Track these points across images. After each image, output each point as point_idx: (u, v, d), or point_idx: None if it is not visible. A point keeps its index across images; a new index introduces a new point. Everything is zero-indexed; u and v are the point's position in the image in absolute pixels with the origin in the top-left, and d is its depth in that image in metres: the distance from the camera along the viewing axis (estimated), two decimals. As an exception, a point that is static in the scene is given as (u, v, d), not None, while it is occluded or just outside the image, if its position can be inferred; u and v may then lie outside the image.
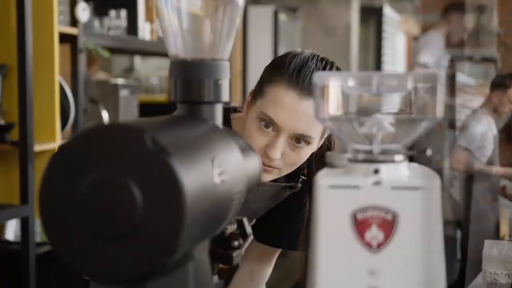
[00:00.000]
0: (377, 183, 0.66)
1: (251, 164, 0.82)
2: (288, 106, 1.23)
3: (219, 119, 0.80)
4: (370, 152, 0.69)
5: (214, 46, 0.81)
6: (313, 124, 1.24)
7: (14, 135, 2.41)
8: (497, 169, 4.48)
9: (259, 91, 1.28)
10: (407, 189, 0.66)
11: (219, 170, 0.68)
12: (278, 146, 1.24)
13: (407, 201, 0.66)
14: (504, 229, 4.57)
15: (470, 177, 4.40)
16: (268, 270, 1.53)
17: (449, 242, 3.87)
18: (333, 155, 0.77)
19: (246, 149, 0.84)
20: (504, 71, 9.54)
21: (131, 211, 0.59)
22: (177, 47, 0.81)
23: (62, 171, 0.62)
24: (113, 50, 3.24)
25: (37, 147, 2.43)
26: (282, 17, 6.10)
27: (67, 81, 2.72)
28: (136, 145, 0.59)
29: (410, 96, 0.69)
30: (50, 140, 2.52)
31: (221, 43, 0.81)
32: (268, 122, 1.25)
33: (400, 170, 0.68)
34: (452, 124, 4.83)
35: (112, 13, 3.05)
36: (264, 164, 1.25)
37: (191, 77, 0.78)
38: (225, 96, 0.80)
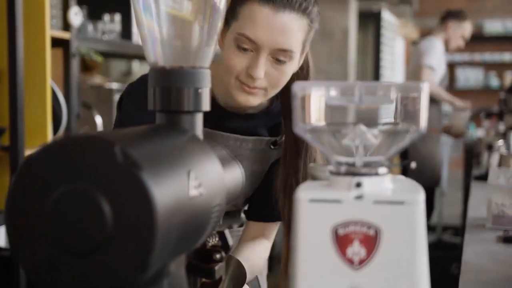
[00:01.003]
0: (359, 197, 0.64)
1: (232, 175, 0.80)
2: (264, 22, 1.20)
3: (199, 129, 0.77)
4: (353, 164, 0.67)
5: (194, 53, 0.78)
6: (292, 37, 1.21)
7: (5, 140, 2.39)
8: (447, 95, 4.55)
9: (231, 14, 1.25)
10: (390, 203, 0.63)
11: (196, 183, 0.65)
12: (260, 64, 1.22)
13: (390, 216, 0.63)
14: None
15: None
16: (268, 246, 1.47)
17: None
18: (316, 167, 0.74)
19: (227, 159, 0.82)
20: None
21: (100, 226, 0.57)
22: (156, 55, 0.79)
23: (30, 183, 0.59)
24: (107, 55, 3.22)
25: (29, 152, 2.40)
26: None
27: (60, 86, 2.69)
28: (106, 158, 0.57)
29: (394, 107, 0.66)
30: (41, 145, 2.49)
31: (201, 50, 0.78)
32: (245, 43, 1.22)
33: (383, 184, 0.66)
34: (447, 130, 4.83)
35: (106, 17, 3.03)
36: (248, 86, 1.24)
37: (170, 85, 0.76)
38: (205, 105, 0.78)
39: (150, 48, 0.79)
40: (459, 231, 4.69)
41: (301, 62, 1.31)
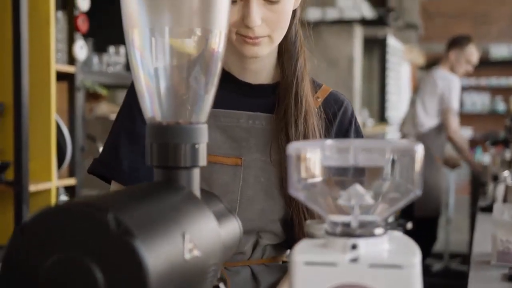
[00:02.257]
0: (354, 260, 0.63)
1: (229, 230, 0.79)
2: None
3: (196, 185, 0.77)
4: (348, 224, 0.66)
5: (191, 108, 0.78)
6: None
7: (9, 174, 2.39)
8: (468, 153, 4.55)
9: None
10: (386, 267, 0.63)
11: (191, 245, 0.65)
12: (252, 11, 1.13)
13: (386, 280, 0.63)
14: None
15: (428, 133, 4.44)
16: None
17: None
18: (312, 225, 0.74)
19: (224, 213, 0.81)
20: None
21: (93, 295, 0.56)
22: (153, 110, 0.79)
23: (23, 252, 0.59)
24: (112, 86, 3.24)
25: (33, 187, 2.41)
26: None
27: (65, 119, 2.71)
28: (99, 226, 0.57)
29: (389, 167, 0.66)
30: (46, 179, 2.50)
31: (198, 105, 0.78)
32: None
33: (379, 245, 0.65)
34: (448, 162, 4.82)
35: (111, 49, 3.05)
36: (250, 37, 1.16)
37: (167, 141, 0.76)
38: (202, 160, 0.78)
39: (147, 103, 0.79)
40: (467, 258, 4.67)
41: None
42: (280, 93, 1.25)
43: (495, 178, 3.18)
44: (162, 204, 0.67)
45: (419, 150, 0.64)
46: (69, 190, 2.75)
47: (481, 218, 2.78)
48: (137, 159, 1.21)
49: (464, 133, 9.87)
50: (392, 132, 7.43)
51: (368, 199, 0.66)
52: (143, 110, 0.80)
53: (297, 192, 0.68)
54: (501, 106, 9.85)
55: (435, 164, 4.37)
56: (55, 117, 2.55)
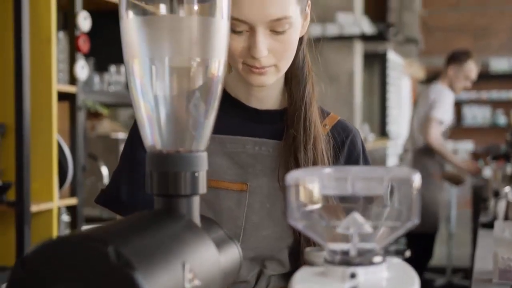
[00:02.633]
0: (353, 289, 0.64)
1: (229, 257, 0.80)
2: None
3: (196, 212, 0.78)
4: (347, 253, 0.67)
5: (191, 136, 0.79)
6: (283, 2, 1.11)
7: (11, 195, 2.40)
8: (451, 156, 4.51)
9: None
10: (384, 296, 0.63)
11: (191, 275, 0.65)
12: (258, 43, 1.12)
13: (385, 308, 0.63)
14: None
15: (425, 149, 4.42)
16: None
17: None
18: (311, 252, 0.74)
19: (224, 240, 0.82)
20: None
21: (94, 327, 0.57)
22: (154, 138, 0.79)
23: (25, 283, 0.59)
24: (114, 105, 3.25)
25: (35, 207, 2.41)
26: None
27: (66, 138, 2.71)
28: (99, 258, 0.57)
29: (387, 196, 0.67)
30: (47, 199, 2.51)
31: (198, 132, 0.79)
32: (237, 25, 1.12)
33: (378, 273, 0.66)
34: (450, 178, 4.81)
35: (112, 68, 3.07)
36: (256, 67, 1.15)
37: (167, 170, 0.77)
38: (202, 188, 0.78)
39: (148, 132, 0.79)
40: (469, 273, 4.65)
41: (307, 23, 1.23)
42: (288, 119, 1.24)
43: (496, 194, 3.18)
44: (162, 234, 0.68)
45: (416, 179, 0.65)
46: (71, 209, 2.76)
47: (482, 234, 2.78)
48: (137, 189, 1.22)
49: (465, 147, 9.90)
50: (393, 147, 7.44)
51: (367, 227, 0.67)
52: (143, 138, 0.80)
53: (296, 221, 0.68)
54: (502, 119, 9.86)
55: (432, 180, 4.36)
56: (57, 137, 2.55)
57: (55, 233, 2.56)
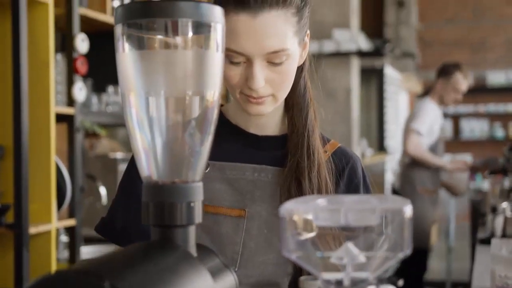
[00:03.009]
0: (347, 319, 0.65)
1: (225, 286, 0.81)
2: (245, 30, 1.11)
3: (192, 242, 0.79)
4: (340, 282, 0.68)
5: (186, 167, 0.80)
6: (279, 35, 1.12)
7: (9, 217, 2.40)
8: (435, 159, 4.47)
9: None
10: (378, 326, 0.64)
11: (187, 307, 0.66)
12: (255, 74, 1.13)
13: (378, 338, 0.64)
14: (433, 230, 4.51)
15: (412, 164, 4.41)
16: None
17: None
18: (306, 281, 0.75)
19: (220, 268, 0.83)
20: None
21: None
22: (149, 169, 0.81)
23: (23, 318, 0.60)
24: (112, 125, 3.27)
25: (33, 229, 2.42)
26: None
27: (64, 159, 2.72)
28: (96, 293, 0.58)
29: (380, 227, 0.68)
30: (46, 221, 2.51)
31: (193, 163, 0.81)
32: (235, 57, 1.13)
33: (372, 303, 0.67)
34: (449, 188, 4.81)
35: (110, 89, 3.08)
36: (253, 97, 1.16)
37: (163, 200, 0.78)
38: (198, 218, 0.79)
39: (144, 163, 0.81)
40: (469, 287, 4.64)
41: (306, 52, 1.24)
42: (291, 146, 1.24)
43: (494, 209, 3.19)
44: (158, 266, 0.69)
45: (408, 210, 0.66)
46: (69, 230, 2.76)
47: (480, 250, 2.78)
48: (133, 220, 1.23)
49: (463, 160, 9.89)
50: (391, 161, 7.45)
51: (361, 257, 0.68)
52: (139, 169, 0.82)
53: (290, 252, 0.69)
54: (500, 133, 9.88)
55: (419, 196, 4.35)
56: (55, 159, 2.56)
57: (53, 255, 2.57)
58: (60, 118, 2.66)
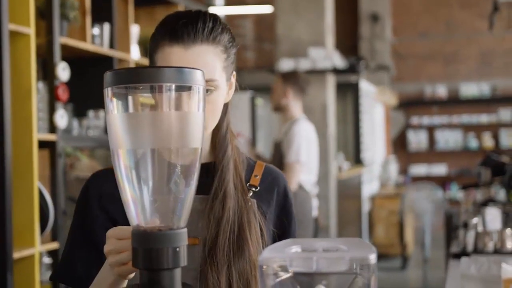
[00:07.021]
0: None
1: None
2: (178, 61, 1.19)
3: (178, 283, 0.87)
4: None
5: (171, 214, 0.89)
6: (208, 66, 1.19)
7: (-7, 243, 2.45)
8: None
9: (151, 64, 1.25)
10: None
11: None
12: None
13: None
14: None
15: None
16: None
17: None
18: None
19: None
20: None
21: None
22: (138, 218, 0.89)
23: None
24: (93, 148, 3.33)
25: (16, 254, 2.47)
26: (259, 101, 6.26)
27: (46, 183, 2.78)
28: None
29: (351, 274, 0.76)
30: (29, 246, 2.56)
31: (178, 210, 0.89)
32: None
33: None
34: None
35: (91, 113, 3.14)
36: None
37: (151, 246, 0.86)
38: (183, 261, 0.88)
39: (133, 213, 0.89)
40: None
41: (232, 92, 1.31)
42: (214, 176, 1.27)
43: (465, 225, 3.28)
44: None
45: (373, 257, 0.75)
46: (52, 253, 2.81)
47: (453, 264, 2.87)
48: (91, 263, 1.22)
49: (439, 170, 10.10)
50: (367, 173, 7.57)
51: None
52: (129, 218, 0.90)
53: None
54: (473, 143, 10.06)
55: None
56: (38, 184, 2.62)
57: (37, 278, 2.61)
58: (42, 144, 2.72)
